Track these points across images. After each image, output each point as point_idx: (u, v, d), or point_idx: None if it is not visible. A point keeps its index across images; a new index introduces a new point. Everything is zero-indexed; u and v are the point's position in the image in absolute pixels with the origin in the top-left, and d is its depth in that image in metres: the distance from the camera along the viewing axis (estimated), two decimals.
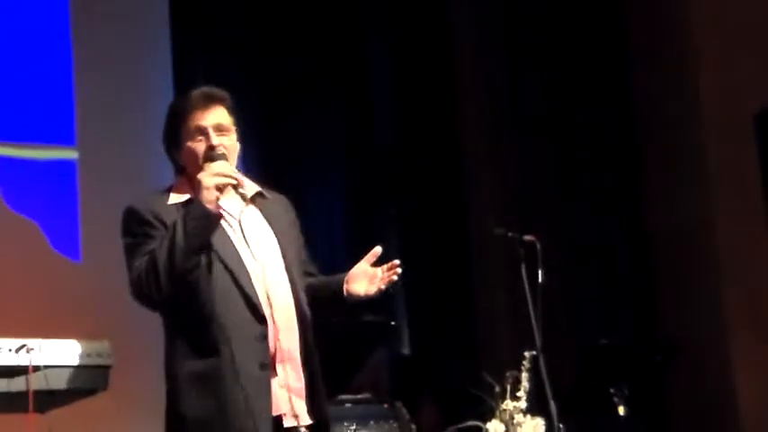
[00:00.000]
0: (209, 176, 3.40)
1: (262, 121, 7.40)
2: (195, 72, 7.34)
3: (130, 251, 3.47)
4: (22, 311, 5.86)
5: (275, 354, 3.43)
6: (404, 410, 5.32)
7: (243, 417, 3.32)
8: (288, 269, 3.54)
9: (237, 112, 3.68)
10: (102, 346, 4.12)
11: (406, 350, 7.66)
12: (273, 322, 3.44)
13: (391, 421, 5.15)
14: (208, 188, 3.37)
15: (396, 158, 7.86)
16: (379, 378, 6.29)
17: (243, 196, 3.49)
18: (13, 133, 6.61)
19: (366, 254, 3.58)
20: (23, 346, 3.90)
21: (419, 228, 7.71)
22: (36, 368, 3.90)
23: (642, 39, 7.37)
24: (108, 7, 6.94)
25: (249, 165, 7.34)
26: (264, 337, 3.41)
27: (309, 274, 3.71)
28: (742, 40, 6.83)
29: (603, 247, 7.36)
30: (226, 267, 3.44)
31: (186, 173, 3.59)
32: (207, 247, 3.40)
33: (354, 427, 4.99)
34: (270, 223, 3.61)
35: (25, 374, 3.88)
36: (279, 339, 3.44)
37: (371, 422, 5.07)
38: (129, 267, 3.44)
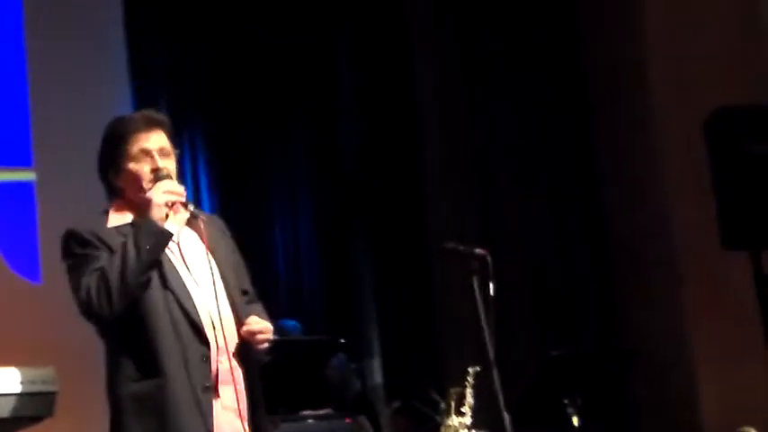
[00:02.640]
0: (159, 193, 3.44)
1: (223, 137, 7.39)
2: (156, 90, 7.32)
3: (75, 270, 3.46)
4: None
5: (217, 375, 3.44)
6: (367, 424, 5.30)
7: None
8: (227, 291, 3.55)
9: (175, 137, 3.69)
10: (48, 372, 4.08)
11: (376, 364, 7.65)
12: (216, 344, 3.45)
13: None
14: (159, 205, 3.42)
15: (360, 174, 7.88)
16: (340, 393, 6.27)
17: (193, 214, 3.52)
18: None
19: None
20: None
21: (384, 245, 7.72)
22: None
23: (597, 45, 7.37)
24: (63, 27, 6.92)
25: (214, 180, 7.40)
26: (207, 358, 3.42)
27: (244, 292, 3.71)
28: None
29: (564, 258, 7.36)
30: (169, 289, 3.45)
31: (124, 196, 3.60)
32: (157, 265, 3.41)
33: None
34: (207, 245, 3.61)
35: None
36: (220, 361, 3.45)
37: None
38: (76, 287, 3.42)
